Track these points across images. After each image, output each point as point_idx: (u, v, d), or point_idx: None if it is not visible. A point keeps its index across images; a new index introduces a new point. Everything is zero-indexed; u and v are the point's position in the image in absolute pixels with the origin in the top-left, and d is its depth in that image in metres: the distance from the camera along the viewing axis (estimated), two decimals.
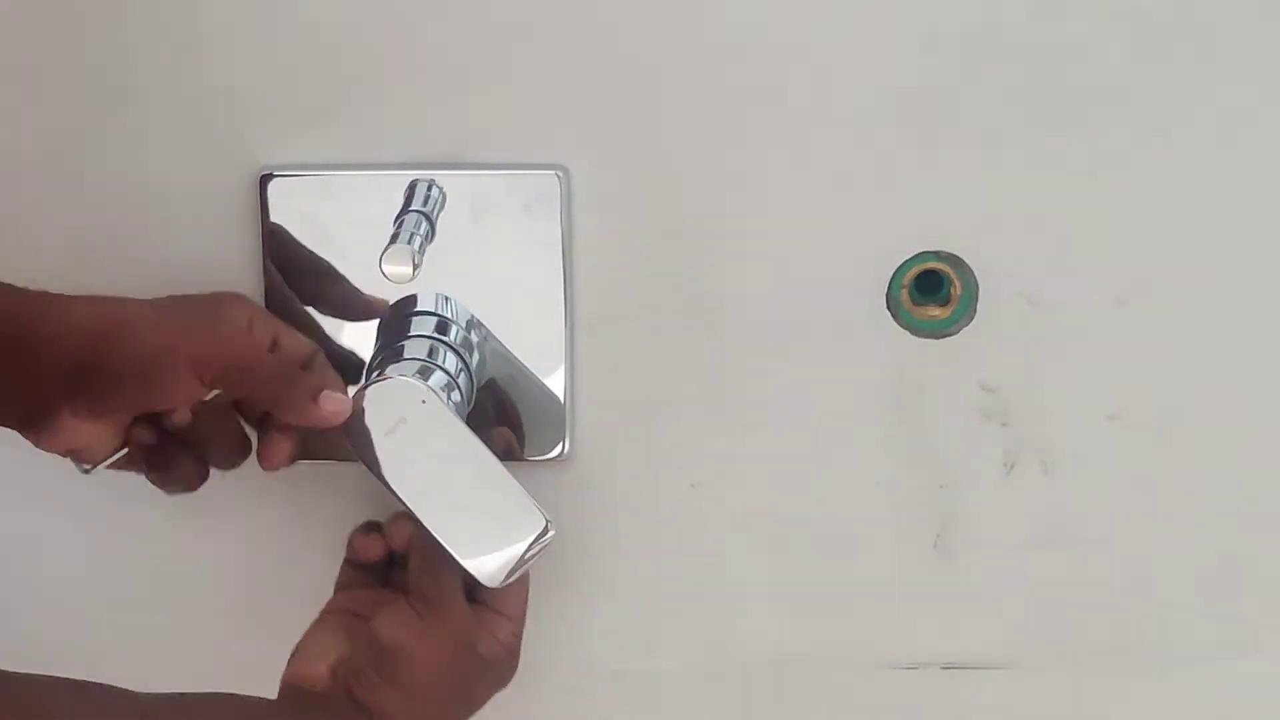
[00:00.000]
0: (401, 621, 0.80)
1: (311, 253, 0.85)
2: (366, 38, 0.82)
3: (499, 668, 0.82)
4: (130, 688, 0.70)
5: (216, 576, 0.91)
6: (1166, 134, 0.83)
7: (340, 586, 0.85)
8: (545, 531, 0.81)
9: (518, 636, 0.83)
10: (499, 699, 0.83)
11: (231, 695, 0.74)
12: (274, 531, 0.90)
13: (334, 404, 0.79)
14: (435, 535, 0.81)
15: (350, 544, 0.86)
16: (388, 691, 0.78)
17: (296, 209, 0.84)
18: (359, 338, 0.85)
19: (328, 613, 0.83)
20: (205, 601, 0.91)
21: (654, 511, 0.89)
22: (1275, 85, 0.82)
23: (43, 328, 0.75)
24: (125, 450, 0.79)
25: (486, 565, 0.81)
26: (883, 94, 0.82)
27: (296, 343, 0.82)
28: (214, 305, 0.80)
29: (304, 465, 0.84)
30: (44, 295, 0.76)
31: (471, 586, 0.81)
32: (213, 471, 0.82)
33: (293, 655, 0.80)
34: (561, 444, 0.87)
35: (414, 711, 0.79)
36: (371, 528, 0.86)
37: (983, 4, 0.81)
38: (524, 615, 0.83)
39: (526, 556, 0.81)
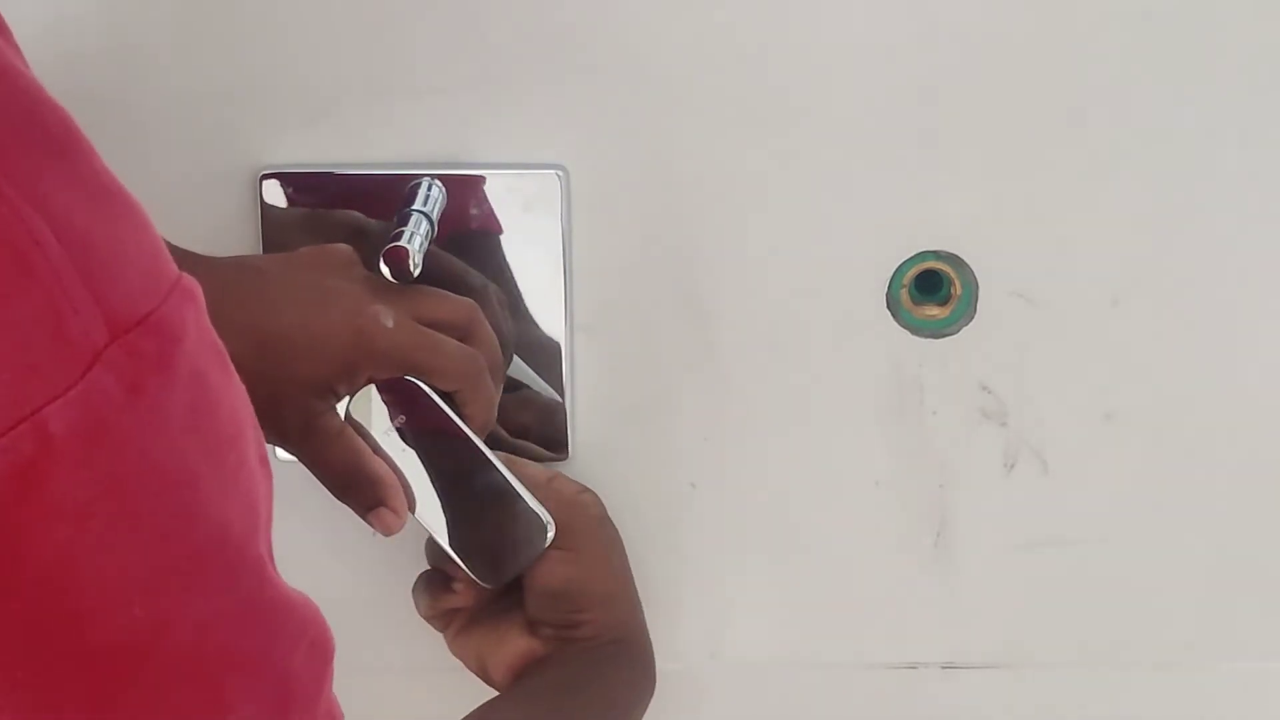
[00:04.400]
0: (552, 566, 0.82)
1: None
2: (366, 37, 0.82)
3: (599, 509, 0.85)
4: None
5: None
6: (1166, 134, 0.83)
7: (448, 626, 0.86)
8: (545, 534, 0.81)
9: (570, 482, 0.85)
10: None
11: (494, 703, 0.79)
12: (275, 528, 0.89)
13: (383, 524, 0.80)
14: (433, 535, 0.81)
15: (436, 611, 0.85)
16: (595, 616, 0.82)
17: (296, 209, 0.84)
18: None
19: (461, 634, 0.85)
20: None
21: (653, 511, 0.89)
22: (1275, 85, 0.82)
23: None
24: None
25: (485, 566, 0.81)
26: (883, 94, 0.83)
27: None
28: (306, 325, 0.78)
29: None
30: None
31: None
32: None
33: (489, 666, 0.83)
34: (561, 444, 0.87)
35: (622, 603, 0.84)
36: (435, 589, 0.85)
37: (983, 4, 0.81)
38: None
39: (526, 557, 0.81)
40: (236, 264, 0.79)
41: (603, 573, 0.83)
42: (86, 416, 0.44)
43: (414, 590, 0.85)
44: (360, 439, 0.79)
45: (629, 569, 0.86)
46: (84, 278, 0.44)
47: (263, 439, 0.52)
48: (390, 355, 0.78)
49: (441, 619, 0.85)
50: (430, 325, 0.79)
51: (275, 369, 0.75)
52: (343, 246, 0.81)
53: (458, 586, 0.83)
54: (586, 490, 0.84)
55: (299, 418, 0.76)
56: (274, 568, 0.52)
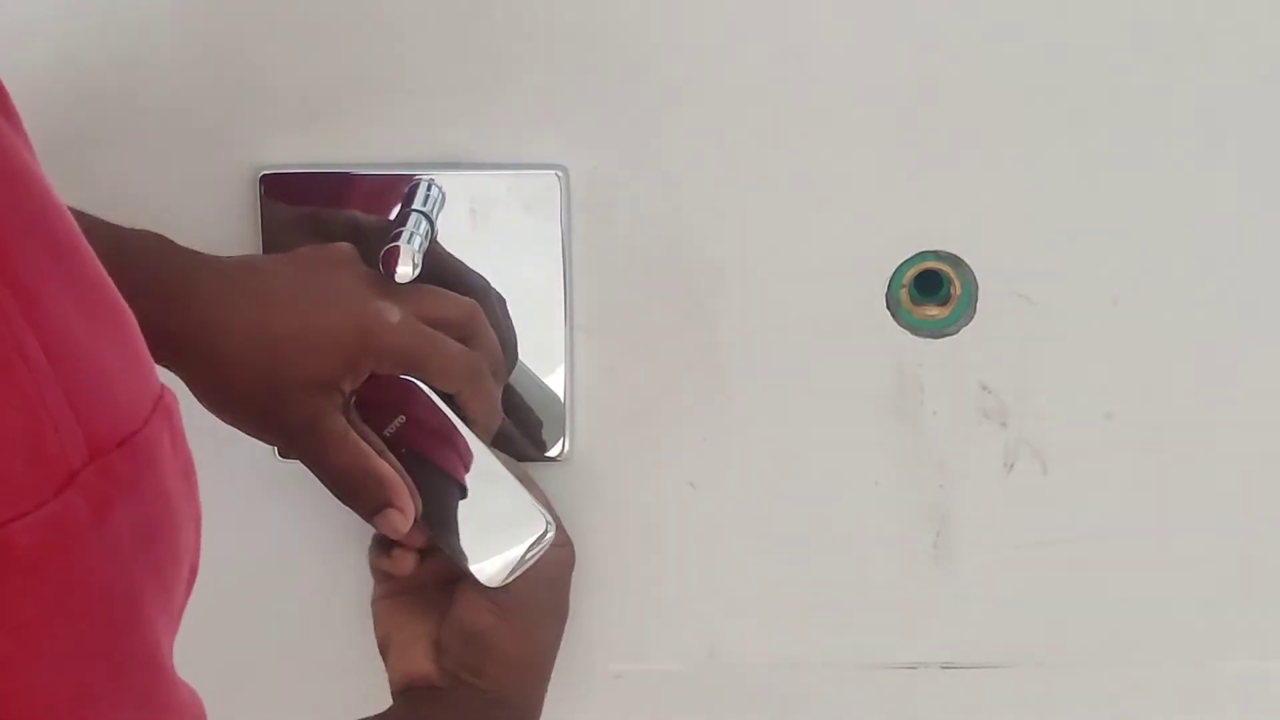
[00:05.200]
0: (478, 610, 0.81)
1: None
2: (366, 37, 0.82)
3: (562, 570, 0.84)
4: None
5: (218, 573, 0.91)
6: (1166, 134, 0.83)
7: (381, 583, 0.85)
8: (545, 534, 0.81)
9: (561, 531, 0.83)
10: None
11: None
12: (275, 528, 0.90)
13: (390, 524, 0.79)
14: (433, 536, 0.81)
15: (376, 566, 0.84)
16: (496, 673, 0.81)
17: (296, 209, 0.84)
18: None
19: (387, 598, 0.84)
20: (206, 598, 0.91)
21: (653, 511, 0.89)
22: (1275, 85, 0.82)
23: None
24: None
25: (486, 567, 0.81)
26: (882, 94, 0.83)
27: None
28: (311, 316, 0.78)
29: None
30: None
31: None
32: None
33: (389, 654, 0.83)
34: (561, 444, 0.87)
35: (529, 671, 0.82)
36: (378, 546, 0.84)
37: (982, 4, 0.81)
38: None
39: (526, 558, 0.81)
40: (238, 264, 0.79)
41: (523, 635, 0.82)
42: (51, 536, 0.44)
43: (374, 535, 0.84)
44: (364, 440, 0.78)
45: (556, 641, 0.84)
46: (69, 395, 0.44)
47: (199, 545, 0.52)
48: (394, 351, 0.78)
49: (377, 573, 0.84)
50: (432, 324, 0.79)
51: (279, 368, 0.75)
52: (343, 245, 0.81)
53: (395, 553, 0.82)
54: (565, 545, 0.83)
55: (304, 418, 0.76)
56: (173, 665, 0.52)
